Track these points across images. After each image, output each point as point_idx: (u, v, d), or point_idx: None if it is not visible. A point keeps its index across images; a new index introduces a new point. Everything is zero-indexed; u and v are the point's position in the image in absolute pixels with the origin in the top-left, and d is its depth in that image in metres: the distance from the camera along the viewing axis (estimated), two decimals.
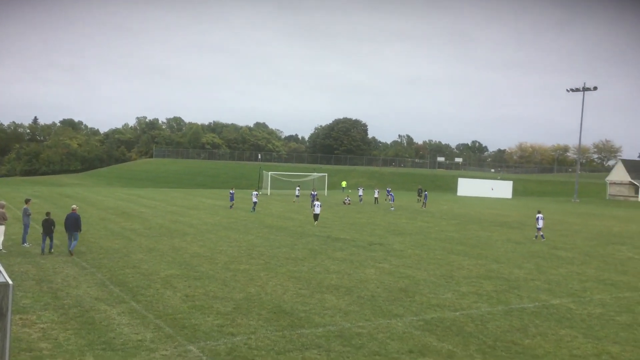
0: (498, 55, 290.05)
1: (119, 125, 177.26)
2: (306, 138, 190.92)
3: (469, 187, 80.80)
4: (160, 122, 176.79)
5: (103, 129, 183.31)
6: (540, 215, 30.13)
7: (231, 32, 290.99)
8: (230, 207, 41.53)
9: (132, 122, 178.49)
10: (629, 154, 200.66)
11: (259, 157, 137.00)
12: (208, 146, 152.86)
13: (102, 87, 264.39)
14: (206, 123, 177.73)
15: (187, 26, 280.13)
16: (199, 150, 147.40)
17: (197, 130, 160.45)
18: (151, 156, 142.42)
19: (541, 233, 30.09)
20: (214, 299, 14.57)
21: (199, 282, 16.52)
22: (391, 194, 52.61)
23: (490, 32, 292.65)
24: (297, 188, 55.63)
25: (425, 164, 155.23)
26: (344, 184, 79.60)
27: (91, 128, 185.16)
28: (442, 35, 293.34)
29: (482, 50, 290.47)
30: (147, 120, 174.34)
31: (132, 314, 12.89)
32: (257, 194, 41.85)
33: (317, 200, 35.96)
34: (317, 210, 33.77)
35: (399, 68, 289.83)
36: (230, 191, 44.04)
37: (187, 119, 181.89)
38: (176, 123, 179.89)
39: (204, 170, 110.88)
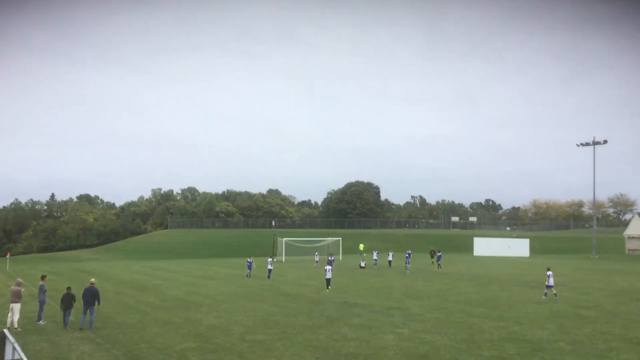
0: (506, 113, 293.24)
1: (135, 198, 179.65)
2: (319, 203, 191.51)
3: (485, 246, 79.80)
4: (174, 193, 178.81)
5: (119, 202, 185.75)
6: (550, 273, 29.72)
7: (239, 99, 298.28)
8: (248, 276, 40.96)
9: (147, 195, 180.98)
10: None
11: (273, 224, 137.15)
12: (222, 215, 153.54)
13: (118, 161, 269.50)
14: (220, 192, 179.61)
15: (196, 96, 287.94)
16: (213, 219, 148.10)
17: (211, 200, 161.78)
18: (166, 227, 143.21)
19: (554, 291, 29.63)
20: None
21: (214, 354, 16.27)
22: (408, 256, 52.12)
23: (497, 91, 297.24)
24: (316, 253, 55.55)
25: (440, 224, 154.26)
26: (361, 246, 79.13)
27: (107, 202, 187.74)
28: (449, 96, 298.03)
29: (490, 109, 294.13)
30: (162, 192, 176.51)
31: None
32: (271, 261, 41.89)
33: (329, 264, 35.87)
34: (329, 275, 33.61)
35: (406, 129, 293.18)
36: (248, 260, 43.06)
37: (201, 188, 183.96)
38: (190, 193, 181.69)
39: (218, 239, 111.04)
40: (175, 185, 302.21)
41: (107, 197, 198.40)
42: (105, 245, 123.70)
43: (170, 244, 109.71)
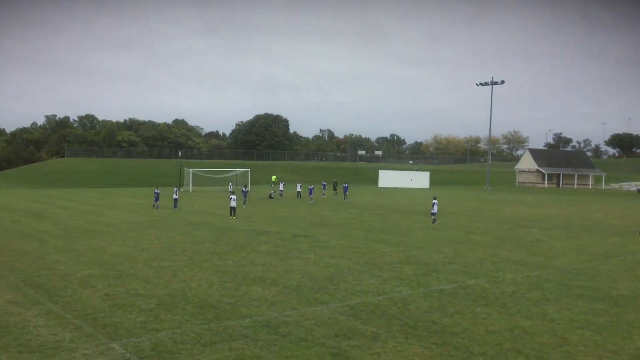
0: (413, 52, 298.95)
1: (27, 125, 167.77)
2: (227, 134, 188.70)
3: (390, 178, 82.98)
4: (71, 120, 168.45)
5: (9, 128, 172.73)
6: (435, 201, 31.87)
7: (145, 27, 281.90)
8: (155, 206, 38.98)
9: (41, 121, 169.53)
10: (536, 143, 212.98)
11: (179, 154, 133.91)
12: (124, 144, 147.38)
13: (7, 84, 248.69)
14: (121, 120, 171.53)
15: (98, 20, 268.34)
16: (114, 148, 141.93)
17: (112, 128, 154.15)
18: (63, 156, 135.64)
19: (435, 218, 31.89)
20: (136, 296, 14.22)
21: (119, 280, 16.05)
22: (322, 186, 52.98)
23: (406, 29, 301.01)
24: (230, 184, 55.02)
25: (347, 158, 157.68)
26: (274, 178, 79.53)
27: None
28: (359, 32, 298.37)
29: (397, 47, 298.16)
30: (57, 118, 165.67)
31: (49, 315, 12.35)
32: (177, 190, 41.03)
33: (234, 194, 35.67)
34: (233, 203, 34.05)
35: (316, 64, 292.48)
36: (155, 191, 40.25)
37: (101, 116, 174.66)
38: (89, 121, 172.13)
39: (120, 169, 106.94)
40: (72, 112, 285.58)
41: None
42: None
43: (68, 172, 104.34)
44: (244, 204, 41.27)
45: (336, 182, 58.76)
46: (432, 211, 31.77)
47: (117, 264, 18.52)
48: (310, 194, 48.62)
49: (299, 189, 55.19)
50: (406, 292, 15.16)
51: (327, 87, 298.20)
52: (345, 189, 52.65)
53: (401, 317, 12.73)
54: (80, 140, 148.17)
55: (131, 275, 16.81)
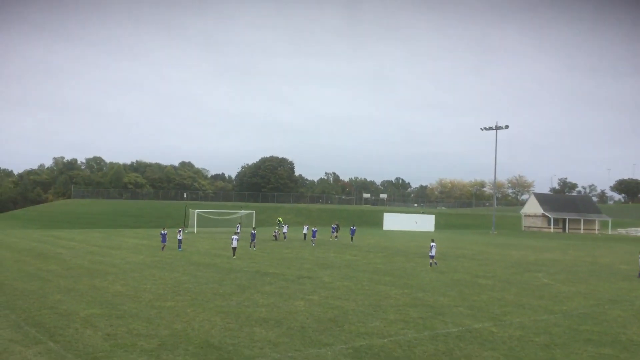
0: (418, 97, 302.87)
1: (35, 166, 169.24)
2: (233, 177, 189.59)
3: (394, 221, 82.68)
4: (79, 162, 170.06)
5: (17, 169, 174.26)
6: (433, 244, 31.68)
7: (152, 70, 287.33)
8: (163, 249, 38.11)
9: (48, 163, 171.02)
10: (541, 188, 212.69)
11: (185, 196, 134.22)
12: (131, 186, 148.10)
13: (16, 126, 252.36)
14: (128, 163, 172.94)
15: (107, 64, 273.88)
16: (121, 190, 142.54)
17: (118, 170, 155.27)
18: (69, 197, 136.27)
19: (435, 260, 31.68)
20: (138, 336, 14.05)
21: (121, 320, 15.89)
22: (332, 229, 52.83)
23: (411, 74, 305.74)
24: (238, 225, 54.72)
25: (352, 200, 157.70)
26: (280, 219, 79.48)
27: (4, 169, 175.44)
28: (365, 76, 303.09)
29: (403, 92, 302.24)
30: (65, 160, 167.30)
31: (49, 354, 12.22)
32: (181, 231, 40.69)
33: (236, 234, 35.90)
34: (234, 244, 34.61)
35: (322, 107, 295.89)
36: (162, 232, 38.90)
37: (108, 159, 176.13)
38: (96, 163, 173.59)
39: (126, 210, 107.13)
40: (80, 154, 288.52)
41: (3, 164, 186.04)
42: (1, 214, 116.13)
43: (74, 213, 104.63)
44: (254, 246, 41.09)
45: (337, 225, 58.25)
46: (431, 254, 31.59)
47: (119, 304, 18.37)
48: (314, 236, 48.07)
49: (305, 231, 54.48)
50: (412, 335, 14.93)
51: (333, 130, 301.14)
52: (352, 231, 52.46)
53: None
54: (87, 182, 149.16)
55: (133, 315, 16.65)
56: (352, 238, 51.79)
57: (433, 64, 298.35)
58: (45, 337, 13.79)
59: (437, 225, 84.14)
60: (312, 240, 48.01)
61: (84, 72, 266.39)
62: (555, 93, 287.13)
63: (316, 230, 49.31)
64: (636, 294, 23.36)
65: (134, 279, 24.46)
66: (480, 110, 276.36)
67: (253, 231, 42.81)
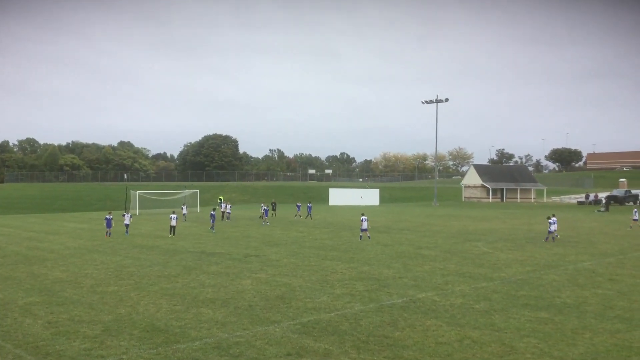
0: (364, 70, 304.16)
1: None
2: (175, 156, 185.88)
3: (340, 196, 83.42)
4: (11, 144, 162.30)
5: None
6: (364, 218, 32.50)
7: (88, 45, 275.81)
8: (108, 234, 35.30)
9: None
10: (480, 159, 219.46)
11: (125, 177, 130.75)
12: (67, 168, 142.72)
13: None
14: (64, 144, 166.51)
15: (38, 39, 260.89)
16: (57, 172, 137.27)
17: (53, 152, 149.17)
18: (2, 181, 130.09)
19: (368, 234, 32.55)
20: (80, 323, 13.68)
21: (62, 307, 15.41)
22: (307, 206, 52.93)
23: (357, 48, 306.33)
24: (183, 206, 53.54)
25: (297, 177, 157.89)
26: (221, 197, 78.60)
27: None
28: (308, 51, 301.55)
29: (347, 65, 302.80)
30: None
31: None
32: (129, 216, 38.66)
33: (174, 213, 35.66)
34: (173, 222, 34.76)
35: (266, 82, 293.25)
36: (107, 216, 35.91)
37: (42, 140, 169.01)
38: (29, 145, 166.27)
39: (63, 193, 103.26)
40: (12, 135, 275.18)
41: None
42: None
43: (7, 198, 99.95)
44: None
45: (275, 203, 57.69)
46: (362, 227, 32.18)
47: (59, 291, 17.80)
48: (266, 215, 46.90)
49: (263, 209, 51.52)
50: (358, 308, 15.19)
51: (278, 106, 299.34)
52: (309, 208, 52.73)
53: (353, 333, 12.73)
54: (20, 165, 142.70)
55: (75, 301, 16.18)
56: (309, 215, 51.90)
57: (378, 36, 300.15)
58: None
59: (382, 199, 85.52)
60: (264, 220, 46.32)
61: (13, 47, 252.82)
62: (496, 64, 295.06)
63: (267, 209, 47.44)
64: (570, 259, 24.57)
65: (74, 264, 23.74)
66: (424, 82, 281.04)
67: (212, 212, 40.96)
